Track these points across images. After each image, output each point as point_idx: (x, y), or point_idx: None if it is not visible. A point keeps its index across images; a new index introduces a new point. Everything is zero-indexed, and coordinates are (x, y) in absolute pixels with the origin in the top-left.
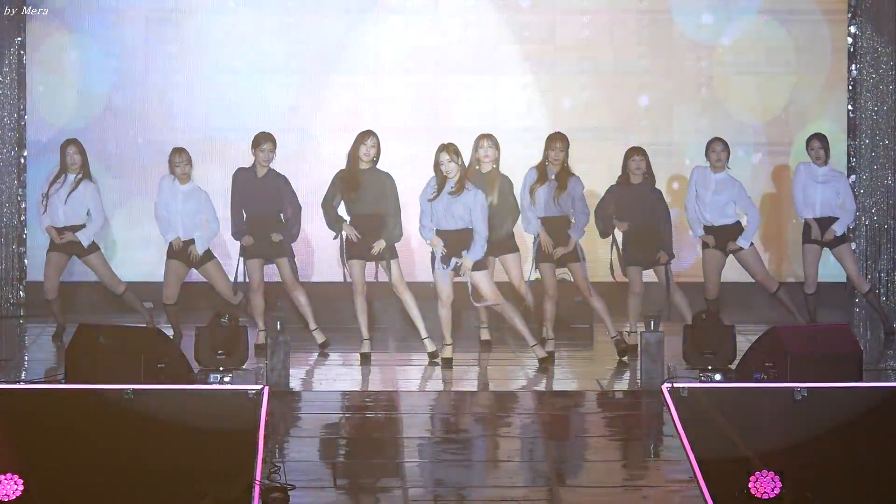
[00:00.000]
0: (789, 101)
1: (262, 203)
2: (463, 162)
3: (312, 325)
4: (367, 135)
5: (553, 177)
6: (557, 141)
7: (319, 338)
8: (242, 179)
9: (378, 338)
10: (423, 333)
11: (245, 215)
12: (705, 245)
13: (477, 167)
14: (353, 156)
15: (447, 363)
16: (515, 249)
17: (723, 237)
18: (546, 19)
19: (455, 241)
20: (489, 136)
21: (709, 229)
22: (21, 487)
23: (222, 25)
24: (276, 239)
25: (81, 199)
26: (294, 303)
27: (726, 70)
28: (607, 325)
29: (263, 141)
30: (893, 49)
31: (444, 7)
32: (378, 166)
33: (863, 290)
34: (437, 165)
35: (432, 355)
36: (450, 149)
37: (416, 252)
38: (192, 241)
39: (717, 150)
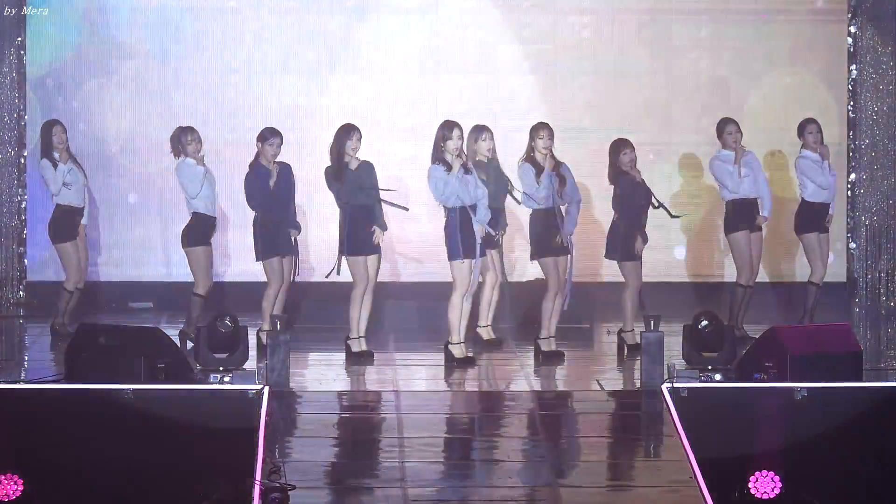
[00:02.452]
0: (789, 101)
1: (276, 199)
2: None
3: (266, 326)
4: (352, 129)
5: (548, 167)
6: (543, 129)
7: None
8: (259, 174)
9: (379, 337)
10: (355, 333)
11: (257, 212)
12: (738, 228)
13: (477, 157)
14: (340, 151)
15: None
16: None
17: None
18: (546, 19)
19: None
20: (487, 128)
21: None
22: (21, 487)
23: (222, 25)
24: (295, 235)
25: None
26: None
27: (726, 70)
28: (543, 325)
29: (271, 135)
30: (893, 49)
31: (444, 7)
32: (377, 164)
33: (816, 279)
34: (443, 140)
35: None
36: (458, 125)
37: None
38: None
39: (733, 130)
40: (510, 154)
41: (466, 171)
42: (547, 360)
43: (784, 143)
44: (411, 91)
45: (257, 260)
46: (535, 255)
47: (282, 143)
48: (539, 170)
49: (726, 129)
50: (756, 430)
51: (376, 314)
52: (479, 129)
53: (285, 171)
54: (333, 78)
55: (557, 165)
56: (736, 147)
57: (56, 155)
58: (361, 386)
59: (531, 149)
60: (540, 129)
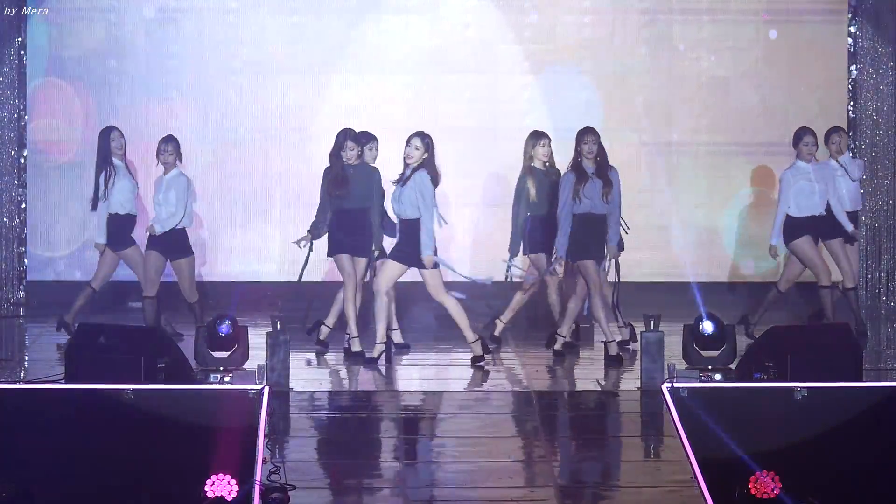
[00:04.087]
0: (789, 101)
1: (350, 199)
2: (431, 152)
3: (355, 332)
4: (346, 136)
5: (593, 173)
6: (589, 134)
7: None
8: (330, 175)
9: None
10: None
11: (330, 212)
12: (798, 235)
13: (533, 164)
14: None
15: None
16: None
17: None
18: (546, 19)
19: (406, 230)
20: (545, 134)
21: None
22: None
23: (222, 25)
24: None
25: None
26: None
27: (726, 70)
28: (565, 322)
29: (344, 139)
30: (893, 49)
31: (444, 7)
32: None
33: (849, 283)
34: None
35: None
36: (422, 135)
37: None
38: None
39: (810, 142)
40: (509, 154)
41: (403, 181)
42: (558, 355)
43: (785, 143)
44: (411, 91)
45: (329, 256)
46: (574, 257)
47: (357, 146)
48: (582, 177)
49: (803, 139)
50: (756, 430)
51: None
52: (538, 136)
53: (365, 172)
54: (333, 78)
55: (605, 170)
56: (811, 160)
57: (115, 161)
58: (361, 386)
59: (577, 154)
60: (585, 135)
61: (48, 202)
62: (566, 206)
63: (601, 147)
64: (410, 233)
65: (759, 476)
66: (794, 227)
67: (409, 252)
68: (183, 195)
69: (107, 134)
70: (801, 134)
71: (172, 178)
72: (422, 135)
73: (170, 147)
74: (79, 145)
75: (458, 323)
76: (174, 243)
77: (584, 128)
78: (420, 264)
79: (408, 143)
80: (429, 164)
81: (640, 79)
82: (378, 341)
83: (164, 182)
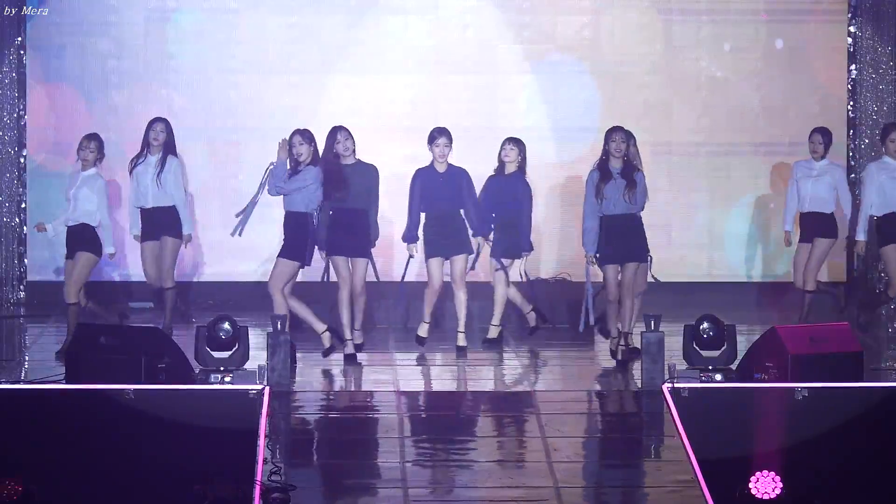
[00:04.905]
0: (789, 101)
1: (444, 202)
2: (315, 148)
3: (461, 327)
4: (336, 130)
5: (618, 173)
6: (617, 132)
7: (461, 340)
8: (423, 178)
9: (378, 337)
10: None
11: (424, 216)
12: (892, 241)
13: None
14: (326, 154)
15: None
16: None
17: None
18: (546, 19)
19: (294, 225)
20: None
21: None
22: None
23: (222, 25)
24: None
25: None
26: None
27: (726, 70)
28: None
29: (438, 135)
30: (893, 49)
31: (444, 7)
32: (375, 163)
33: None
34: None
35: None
36: (302, 132)
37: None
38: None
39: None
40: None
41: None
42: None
43: (785, 143)
44: (411, 91)
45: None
46: (599, 262)
47: (450, 143)
48: (606, 175)
49: (890, 135)
50: (756, 430)
51: (376, 314)
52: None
53: (455, 174)
54: (333, 78)
55: (631, 171)
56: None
57: (147, 152)
58: (361, 386)
59: (605, 153)
60: (613, 132)
61: (48, 202)
62: (592, 207)
63: (628, 146)
64: (298, 227)
65: (760, 476)
66: (889, 229)
67: (298, 247)
68: (103, 196)
69: (149, 125)
70: (890, 129)
71: (88, 176)
72: (301, 132)
73: (91, 145)
74: (79, 145)
75: (304, 318)
76: (80, 234)
77: (613, 126)
78: (305, 261)
79: (293, 143)
80: (316, 160)
81: (640, 79)
82: (320, 331)
83: (80, 178)
